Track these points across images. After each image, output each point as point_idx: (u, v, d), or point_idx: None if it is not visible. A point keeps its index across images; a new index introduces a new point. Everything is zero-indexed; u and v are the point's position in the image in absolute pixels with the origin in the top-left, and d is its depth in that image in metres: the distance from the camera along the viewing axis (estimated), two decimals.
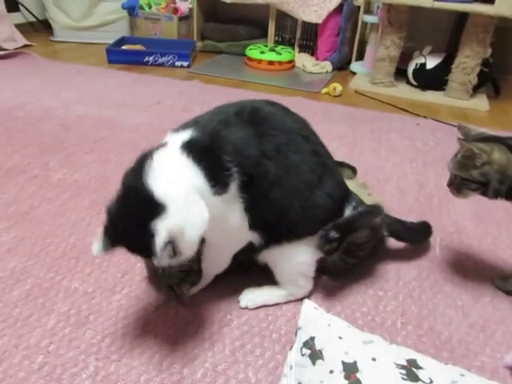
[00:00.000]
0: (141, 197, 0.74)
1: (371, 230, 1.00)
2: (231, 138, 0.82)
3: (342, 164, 1.31)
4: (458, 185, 0.97)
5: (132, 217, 0.75)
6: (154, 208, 0.72)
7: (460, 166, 0.96)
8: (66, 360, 0.83)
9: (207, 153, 0.79)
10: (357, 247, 1.01)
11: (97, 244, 0.76)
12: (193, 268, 0.97)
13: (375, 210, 0.98)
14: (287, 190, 0.86)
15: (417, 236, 1.19)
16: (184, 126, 0.85)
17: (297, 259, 0.94)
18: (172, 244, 0.71)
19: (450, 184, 1.00)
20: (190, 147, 0.79)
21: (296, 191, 0.86)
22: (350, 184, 1.10)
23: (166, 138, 0.85)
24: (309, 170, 0.88)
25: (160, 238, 0.70)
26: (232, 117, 0.86)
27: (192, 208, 0.75)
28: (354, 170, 1.35)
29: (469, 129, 1.02)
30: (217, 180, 0.78)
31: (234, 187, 0.80)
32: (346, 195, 0.98)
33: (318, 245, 0.89)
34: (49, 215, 1.25)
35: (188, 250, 0.76)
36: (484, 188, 0.94)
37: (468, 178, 0.94)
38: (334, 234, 0.87)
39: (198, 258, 0.96)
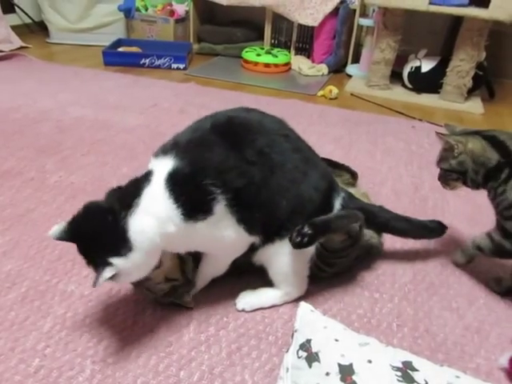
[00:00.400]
0: (116, 228, 0.78)
1: (348, 237, 0.96)
2: (211, 159, 0.84)
3: (341, 167, 1.29)
4: (443, 177, 1.07)
5: (100, 238, 0.79)
6: (120, 245, 0.77)
7: (441, 158, 1.06)
8: (63, 363, 0.83)
9: (189, 182, 0.82)
10: (332, 253, 0.98)
11: (57, 228, 0.80)
12: (175, 286, 0.95)
13: (354, 215, 0.97)
14: (274, 189, 0.88)
15: (416, 229, 1.16)
16: (164, 151, 0.86)
17: (289, 256, 0.94)
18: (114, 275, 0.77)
19: (439, 178, 1.08)
20: (172, 181, 0.81)
21: (283, 189, 0.88)
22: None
23: (150, 165, 0.87)
24: (293, 168, 0.90)
25: (106, 273, 0.75)
26: (209, 132, 0.88)
27: (148, 257, 0.81)
28: (354, 175, 1.31)
29: (455, 127, 1.09)
30: (200, 208, 0.81)
31: (219, 208, 0.82)
32: (333, 186, 0.99)
33: (290, 236, 0.88)
34: (45, 218, 1.25)
35: (124, 281, 0.85)
36: (463, 177, 1.02)
37: (449, 169, 1.03)
38: (306, 230, 0.87)
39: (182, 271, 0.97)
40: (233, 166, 0.84)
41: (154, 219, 0.79)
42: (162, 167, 0.83)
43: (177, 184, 0.81)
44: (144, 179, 0.83)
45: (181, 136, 0.90)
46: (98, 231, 0.79)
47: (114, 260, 0.76)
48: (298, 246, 0.88)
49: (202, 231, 0.83)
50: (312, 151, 0.98)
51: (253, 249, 0.94)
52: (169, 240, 0.82)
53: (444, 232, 1.16)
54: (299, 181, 0.90)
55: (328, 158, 1.28)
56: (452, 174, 1.04)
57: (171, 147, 0.86)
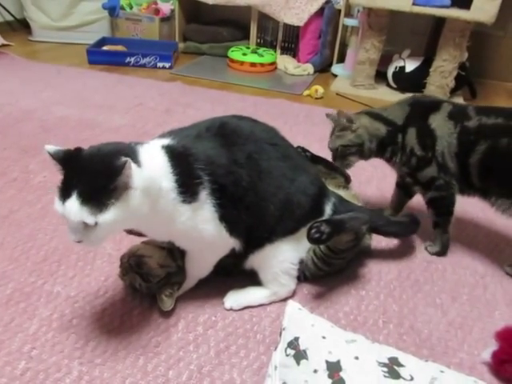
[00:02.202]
0: (128, 147, 0.78)
1: (355, 237, 1.01)
2: (203, 149, 0.86)
3: (336, 170, 1.31)
4: (341, 153, 1.20)
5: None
6: (135, 158, 0.75)
7: (339, 137, 1.20)
8: (49, 365, 0.82)
9: (181, 160, 0.83)
10: (335, 254, 1.01)
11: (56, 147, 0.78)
12: (169, 272, 0.96)
13: (364, 217, 1.03)
14: (261, 195, 0.90)
15: (404, 229, 1.22)
16: (161, 136, 0.90)
17: (279, 258, 0.96)
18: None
19: (335, 158, 1.23)
20: (168, 150, 0.83)
21: (269, 195, 0.91)
22: (341, 194, 1.12)
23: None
24: (280, 175, 0.92)
25: (129, 168, 0.71)
26: (204, 131, 0.91)
27: (148, 196, 0.77)
28: (347, 179, 1.35)
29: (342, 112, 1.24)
30: (187, 187, 0.82)
31: (203, 195, 0.84)
32: (323, 192, 1.02)
33: (308, 234, 0.93)
34: (29, 219, 1.23)
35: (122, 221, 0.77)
36: (361, 148, 1.18)
37: (347, 144, 1.19)
38: (324, 228, 0.92)
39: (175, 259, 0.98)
40: (222, 162, 0.86)
41: (153, 166, 0.78)
42: (158, 141, 0.86)
43: (171, 154, 0.82)
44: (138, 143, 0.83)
45: (176, 130, 0.93)
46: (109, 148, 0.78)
47: (129, 163, 0.71)
48: (316, 241, 0.94)
49: (185, 214, 0.82)
50: (302, 158, 1.02)
51: (240, 256, 0.96)
52: (156, 208, 0.79)
53: (418, 224, 1.21)
54: (286, 187, 0.93)
55: (326, 159, 1.31)
56: (351, 149, 1.19)
57: (167, 134, 0.90)
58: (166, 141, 0.86)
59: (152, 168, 0.78)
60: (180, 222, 0.83)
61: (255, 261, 0.97)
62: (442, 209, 1.19)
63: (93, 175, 0.74)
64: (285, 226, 0.94)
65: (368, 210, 1.17)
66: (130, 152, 0.77)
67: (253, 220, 0.90)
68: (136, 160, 0.76)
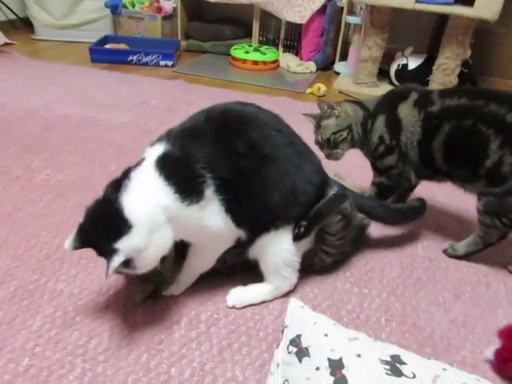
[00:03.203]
0: (112, 212, 0.80)
1: (342, 217, 1.03)
2: (202, 146, 0.86)
3: None
4: (334, 142, 1.23)
5: (101, 229, 0.81)
6: (120, 226, 0.78)
7: (326, 127, 1.23)
8: (53, 362, 0.83)
9: (180, 164, 0.84)
10: (333, 236, 1.04)
11: (69, 239, 0.83)
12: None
13: (340, 196, 1.02)
14: (266, 180, 0.89)
15: (404, 216, 1.22)
16: (159, 139, 0.89)
17: (281, 247, 0.96)
18: (128, 261, 0.79)
19: (325, 149, 1.25)
20: (163, 162, 0.84)
21: (275, 181, 0.90)
22: None
23: (145, 154, 0.88)
24: (286, 160, 0.91)
25: (118, 257, 0.76)
26: (202, 123, 0.90)
27: (156, 231, 0.81)
28: None
29: (324, 102, 1.27)
30: (191, 190, 0.82)
31: (209, 192, 0.84)
32: (326, 181, 1.02)
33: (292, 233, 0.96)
34: (32, 216, 1.23)
35: (144, 267, 0.83)
36: (351, 132, 1.22)
37: (338, 130, 1.22)
38: (302, 222, 0.95)
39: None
40: (222, 157, 0.86)
41: (148, 195, 0.81)
42: (153, 152, 0.85)
43: (167, 164, 0.83)
44: (135, 165, 0.86)
45: (175, 127, 0.92)
46: (99, 223, 0.81)
47: (119, 244, 0.77)
48: (296, 237, 0.95)
49: (194, 215, 0.84)
50: (306, 147, 1.00)
51: (244, 245, 0.96)
52: (171, 217, 0.83)
53: (424, 209, 1.23)
54: (292, 173, 0.92)
55: None
56: (342, 133, 1.22)
57: (164, 136, 0.89)
58: (162, 148, 0.85)
59: (147, 204, 0.81)
60: (190, 220, 0.85)
61: (260, 246, 0.96)
62: (383, 194, 1.26)
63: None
64: (290, 212, 0.94)
65: (366, 198, 1.19)
66: (119, 209, 0.79)
67: (258, 207, 0.90)
68: (128, 214, 0.79)
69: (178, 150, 0.85)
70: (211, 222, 0.87)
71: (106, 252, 0.77)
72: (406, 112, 1.13)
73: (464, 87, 1.18)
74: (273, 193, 0.90)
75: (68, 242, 0.83)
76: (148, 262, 0.83)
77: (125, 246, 0.77)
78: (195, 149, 0.86)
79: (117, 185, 0.83)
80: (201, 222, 0.86)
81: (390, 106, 1.18)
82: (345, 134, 1.22)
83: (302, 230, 0.94)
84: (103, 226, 0.80)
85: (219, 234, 0.90)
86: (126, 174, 0.84)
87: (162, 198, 0.81)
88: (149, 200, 0.81)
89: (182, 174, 0.83)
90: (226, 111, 0.93)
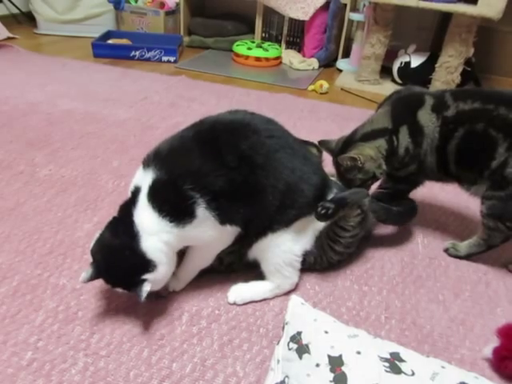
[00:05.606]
0: (136, 256, 0.86)
1: (361, 211, 1.04)
2: (189, 166, 0.87)
3: (306, 143, 1.31)
4: (362, 185, 1.16)
5: (124, 267, 0.87)
6: (147, 265, 0.87)
7: (351, 181, 1.17)
8: (55, 356, 0.83)
9: (168, 190, 0.86)
10: (347, 231, 1.04)
11: (85, 273, 0.88)
12: None
13: (363, 191, 1.07)
14: (259, 188, 0.90)
15: (402, 218, 1.24)
16: (148, 162, 0.90)
17: (282, 248, 0.97)
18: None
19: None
20: (153, 193, 0.86)
21: (267, 187, 0.90)
22: None
23: (137, 176, 0.91)
24: (278, 166, 0.91)
25: (146, 287, 0.85)
26: (190, 140, 0.91)
27: (168, 258, 0.90)
28: (319, 149, 1.34)
29: (327, 141, 1.26)
30: (183, 213, 0.86)
31: (200, 211, 0.86)
32: (326, 183, 1.03)
33: (316, 212, 0.96)
34: (35, 211, 1.24)
35: (158, 287, 0.92)
36: (375, 176, 1.16)
37: (361, 183, 1.16)
38: (329, 204, 0.96)
39: None
40: (210, 171, 0.86)
41: (156, 236, 0.87)
42: (145, 181, 0.88)
43: (158, 195, 0.86)
44: (131, 202, 0.89)
45: (163, 144, 0.93)
46: (123, 265, 0.87)
47: (147, 276, 0.86)
48: (323, 216, 0.97)
49: (192, 233, 0.88)
50: (302, 148, 1.00)
51: (244, 245, 0.98)
52: (172, 244, 0.89)
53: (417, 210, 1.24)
54: (287, 176, 0.92)
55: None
56: (368, 181, 1.17)
57: (153, 157, 0.90)
58: (150, 177, 0.86)
59: (156, 246, 0.87)
60: (189, 236, 0.90)
61: (258, 249, 0.97)
62: (395, 199, 1.22)
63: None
64: (287, 214, 0.94)
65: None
66: (141, 255, 0.86)
67: (252, 212, 0.91)
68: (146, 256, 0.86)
69: (166, 173, 0.86)
70: (208, 233, 0.90)
71: (134, 282, 0.86)
72: (426, 119, 1.10)
73: (475, 88, 1.14)
74: (266, 197, 0.91)
75: (83, 277, 0.87)
76: (161, 284, 0.92)
77: (151, 278, 0.87)
78: (182, 169, 0.87)
79: (126, 229, 0.87)
80: (198, 234, 0.90)
81: (409, 115, 1.12)
82: (370, 181, 1.18)
83: (331, 211, 0.95)
84: (130, 266, 0.87)
85: (217, 238, 0.93)
86: (128, 217, 0.88)
87: (164, 236, 0.87)
88: (162, 242, 0.87)
89: (171, 202, 0.86)
90: (215, 124, 0.93)
